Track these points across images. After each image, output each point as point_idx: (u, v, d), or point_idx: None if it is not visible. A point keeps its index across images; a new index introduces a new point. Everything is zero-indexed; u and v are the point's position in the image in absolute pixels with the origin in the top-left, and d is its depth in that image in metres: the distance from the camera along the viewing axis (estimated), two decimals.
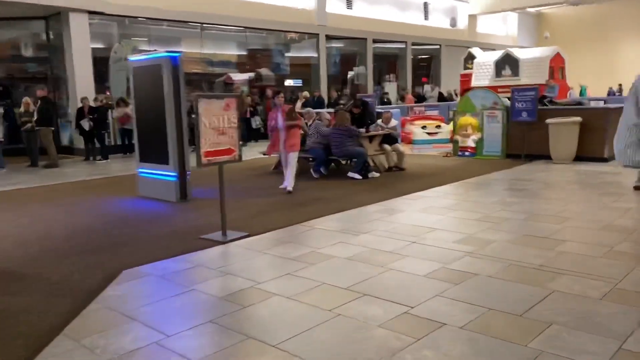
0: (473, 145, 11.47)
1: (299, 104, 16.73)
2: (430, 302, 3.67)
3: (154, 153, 7.96)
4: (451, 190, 8.01)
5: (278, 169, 9.53)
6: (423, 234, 5.46)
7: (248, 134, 16.16)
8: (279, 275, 4.37)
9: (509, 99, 11.04)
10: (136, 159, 8.36)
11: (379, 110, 12.36)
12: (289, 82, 20.54)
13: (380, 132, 9.94)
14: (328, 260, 4.73)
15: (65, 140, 15.22)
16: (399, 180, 8.95)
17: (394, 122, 10.36)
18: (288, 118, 7.97)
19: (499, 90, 14.39)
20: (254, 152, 12.43)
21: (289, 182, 8.06)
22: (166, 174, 7.77)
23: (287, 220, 6.25)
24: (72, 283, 4.37)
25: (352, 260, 4.70)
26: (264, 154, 10.43)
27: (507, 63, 19.48)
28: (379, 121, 10.32)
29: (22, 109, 12.10)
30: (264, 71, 20.14)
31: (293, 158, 8.14)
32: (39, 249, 5.43)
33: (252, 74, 19.54)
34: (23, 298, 4.06)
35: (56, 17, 14.55)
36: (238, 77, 18.94)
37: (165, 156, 7.71)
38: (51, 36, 15.27)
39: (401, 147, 10.32)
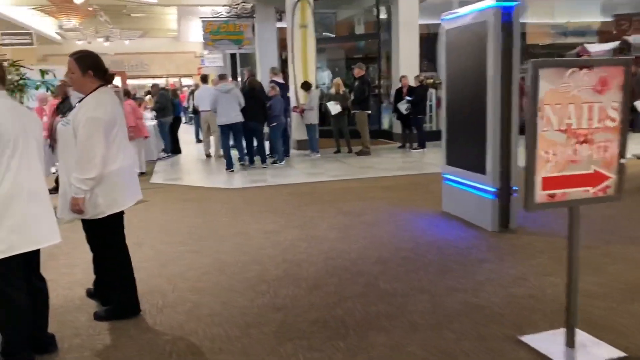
0: None
1: None
2: None
3: (465, 154, 5.48)
4: None
5: None
6: None
7: None
8: None
9: None
10: (442, 159, 6.01)
11: None
12: None
13: None
14: None
15: (385, 124, 14.03)
16: None
17: None
18: None
19: None
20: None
21: None
22: (480, 186, 5.20)
23: None
24: None
25: None
26: None
27: None
28: None
29: (332, 90, 11.06)
30: (634, 38, 15.20)
31: None
32: (256, 311, 3.63)
33: (616, 43, 14.97)
34: None
35: None
36: (596, 48, 14.92)
37: (481, 161, 5.13)
38: (381, 11, 14.17)
39: None
